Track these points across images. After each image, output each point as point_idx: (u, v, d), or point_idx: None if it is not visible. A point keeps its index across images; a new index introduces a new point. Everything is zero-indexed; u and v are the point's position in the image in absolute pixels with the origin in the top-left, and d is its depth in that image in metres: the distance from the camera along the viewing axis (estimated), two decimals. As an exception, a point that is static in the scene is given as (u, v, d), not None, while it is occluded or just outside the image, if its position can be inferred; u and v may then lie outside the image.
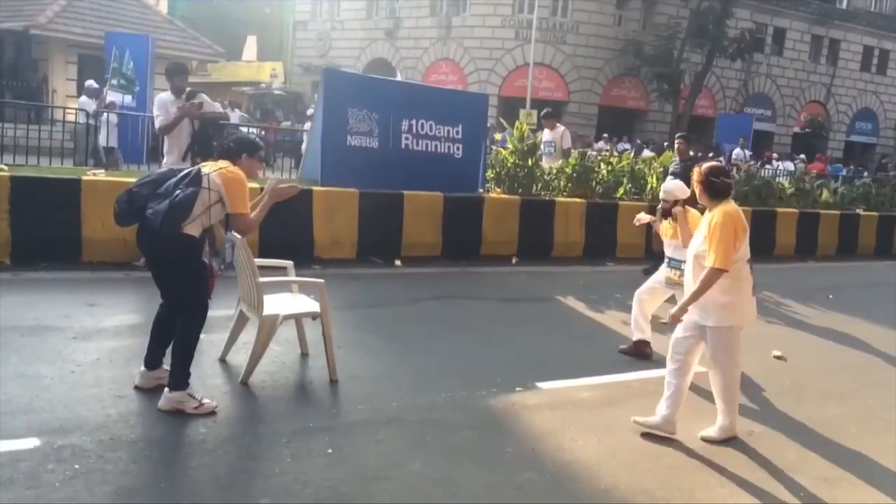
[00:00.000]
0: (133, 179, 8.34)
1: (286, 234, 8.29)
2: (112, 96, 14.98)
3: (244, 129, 16.76)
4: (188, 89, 7.74)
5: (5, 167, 8.14)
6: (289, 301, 5.39)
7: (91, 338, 5.53)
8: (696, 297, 4.57)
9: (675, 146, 10.71)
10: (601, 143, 24.58)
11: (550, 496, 3.89)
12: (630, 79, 31.74)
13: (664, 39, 30.31)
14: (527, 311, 8.05)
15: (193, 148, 7.50)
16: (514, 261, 10.35)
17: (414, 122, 10.33)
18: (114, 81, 15.21)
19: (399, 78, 19.11)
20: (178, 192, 4.27)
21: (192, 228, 4.31)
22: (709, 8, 30.00)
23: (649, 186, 12.56)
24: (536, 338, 6.93)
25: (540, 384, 5.46)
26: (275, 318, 4.95)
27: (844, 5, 37.54)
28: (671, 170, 10.52)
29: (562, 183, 11.65)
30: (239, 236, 4.68)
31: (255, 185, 5.75)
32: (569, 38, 30.74)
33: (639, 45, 30.53)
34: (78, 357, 5.09)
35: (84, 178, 8.26)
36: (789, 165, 23.50)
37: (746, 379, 6.11)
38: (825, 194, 15.43)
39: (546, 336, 7.06)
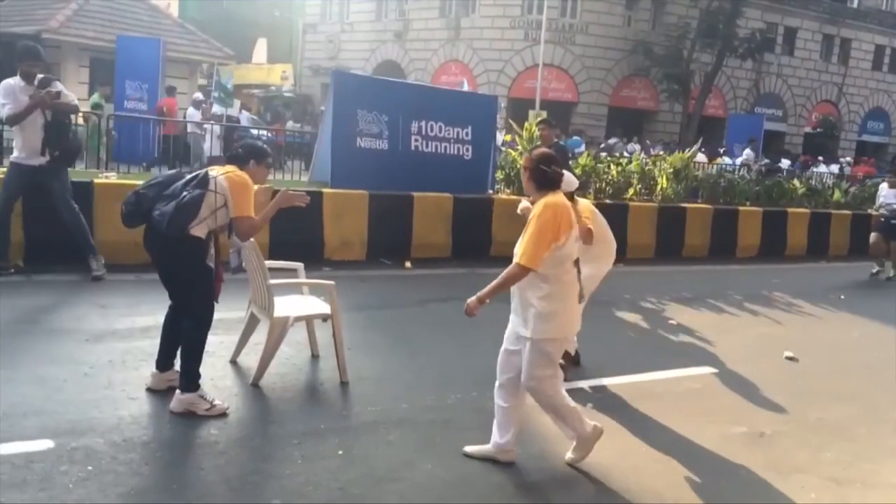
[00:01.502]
0: (140, 182, 8.42)
1: (296, 235, 8.32)
2: (215, 108, 17.38)
3: (254, 132, 16.85)
4: (40, 76, 7.09)
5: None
6: (299, 303, 5.41)
7: (103, 340, 5.57)
8: (492, 292, 3.94)
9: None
10: (612, 140, 24.50)
11: (559, 497, 3.89)
12: (640, 79, 31.64)
13: (674, 39, 30.19)
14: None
15: (49, 142, 6.98)
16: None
17: (423, 123, 10.36)
18: (216, 94, 17.49)
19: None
20: (184, 193, 4.30)
21: (199, 230, 4.33)
22: (719, 8, 29.86)
23: (659, 187, 12.55)
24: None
25: (550, 385, 5.44)
26: (286, 320, 4.98)
27: (856, 4, 37.30)
28: None
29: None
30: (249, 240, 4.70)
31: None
32: (578, 38, 30.69)
33: (648, 46, 30.42)
34: (90, 359, 5.12)
35: (96, 180, 8.32)
36: (833, 168, 23.19)
37: (758, 380, 6.11)
38: (837, 194, 15.36)
39: (556, 337, 7.06)
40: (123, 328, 5.90)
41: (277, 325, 4.96)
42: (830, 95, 37.21)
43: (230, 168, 4.50)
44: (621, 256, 11.08)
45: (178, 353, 4.56)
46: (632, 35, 31.08)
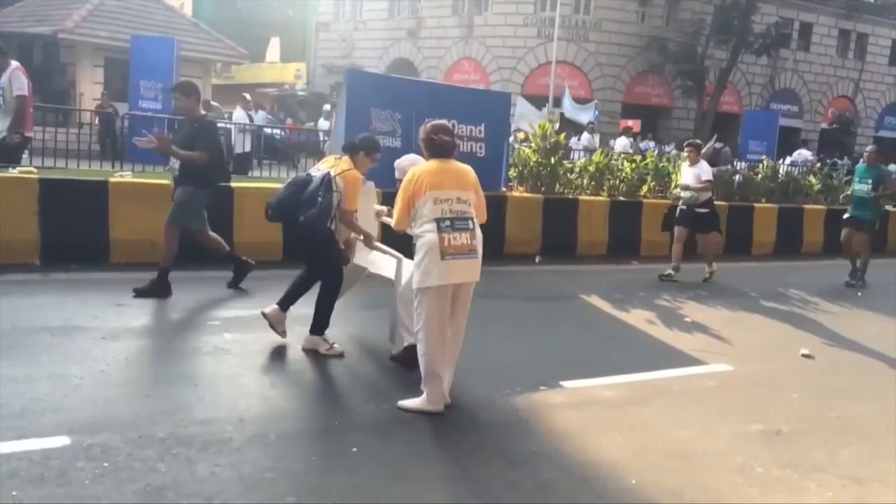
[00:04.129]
0: (155, 181, 8.50)
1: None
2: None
3: (267, 131, 16.92)
4: None
5: (34, 169, 8.27)
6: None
7: (119, 337, 5.60)
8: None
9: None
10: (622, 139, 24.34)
11: (574, 495, 3.87)
12: (654, 76, 31.50)
13: (688, 36, 30.02)
14: (550, 310, 8.03)
15: None
16: (537, 259, 10.32)
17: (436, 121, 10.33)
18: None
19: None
20: (320, 198, 5.26)
21: (331, 224, 5.48)
22: (733, 3, 29.66)
23: (673, 184, 12.49)
24: (560, 337, 6.91)
25: (564, 383, 5.44)
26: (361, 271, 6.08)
27: (872, -1, 37.02)
28: None
29: (585, 181, 11.61)
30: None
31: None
32: (591, 35, 30.58)
33: (662, 42, 30.27)
34: (107, 357, 5.15)
35: (111, 179, 8.38)
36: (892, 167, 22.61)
37: (774, 378, 6.06)
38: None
39: (570, 335, 7.04)
40: (139, 326, 5.93)
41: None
42: (847, 91, 36.89)
43: (344, 164, 5.46)
44: (634, 254, 11.21)
45: (293, 301, 5.67)
46: (645, 31, 30.94)
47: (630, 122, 24.27)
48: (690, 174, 9.87)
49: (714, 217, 10.14)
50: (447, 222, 4.51)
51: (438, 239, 4.48)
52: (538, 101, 25.93)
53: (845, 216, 10.90)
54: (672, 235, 10.20)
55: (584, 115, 22.58)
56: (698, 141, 10.75)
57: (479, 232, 4.71)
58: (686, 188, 9.88)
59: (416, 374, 4.91)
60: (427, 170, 4.62)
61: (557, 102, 24.54)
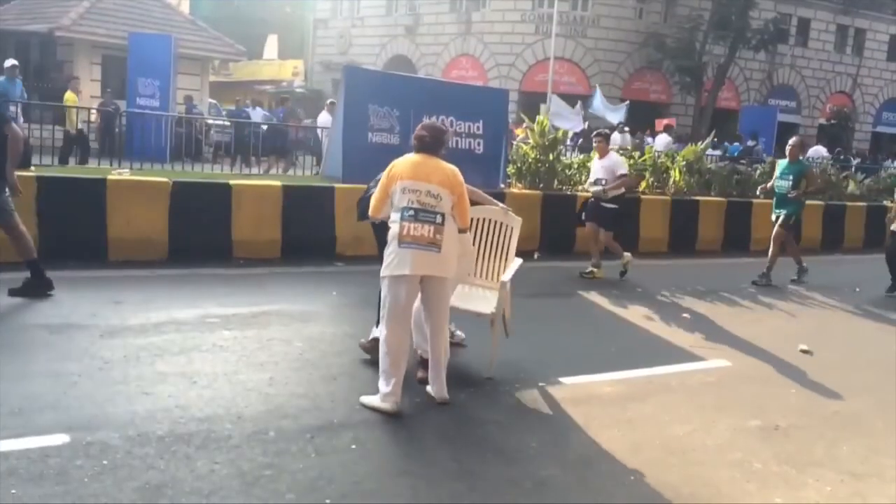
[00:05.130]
0: (153, 179, 8.50)
1: (309, 231, 8.34)
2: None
3: (264, 128, 16.88)
4: None
5: (32, 168, 8.26)
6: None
7: (117, 335, 5.60)
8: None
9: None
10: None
11: (574, 491, 3.88)
12: (652, 72, 31.50)
13: (686, 31, 30.01)
14: (549, 306, 8.03)
15: None
16: (536, 256, 10.31)
17: (434, 118, 10.29)
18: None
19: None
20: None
21: None
22: (731, -1, 29.68)
23: (672, 180, 12.49)
24: (559, 333, 6.91)
25: (563, 379, 5.44)
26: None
27: (870, -6, 36.98)
28: None
29: (583, 178, 11.60)
30: None
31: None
32: (590, 31, 30.57)
33: (660, 38, 30.25)
34: (105, 354, 5.15)
35: (109, 177, 8.38)
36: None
37: (772, 373, 6.07)
38: (851, 186, 15.22)
39: (569, 331, 7.05)
40: (137, 324, 5.93)
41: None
42: (845, 86, 36.90)
43: None
44: (634, 250, 11.21)
45: None
46: (644, 27, 30.93)
47: (666, 120, 23.98)
48: (600, 167, 9.17)
49: (618, 215, 9.29)
50: (411, 212, 4.56)
51: (399, 227, 4.57)
52: (538, 98, 25.96)
53: (773, 216, 9.99)
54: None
55: (615, 115, 22.46)
56: (606, 131, 9.92)
57: (449, 229, 4.63)
58: (596, 183, 9.19)
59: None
60: (405, 161, 4.74)
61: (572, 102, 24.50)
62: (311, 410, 4.59)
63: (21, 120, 12.94)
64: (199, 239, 8.25)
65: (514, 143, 12.84)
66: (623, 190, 9.31)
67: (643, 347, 6.58)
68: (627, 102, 24.66)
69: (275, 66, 36.52)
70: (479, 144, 10.67)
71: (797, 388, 5.73)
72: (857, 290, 9.97)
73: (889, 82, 38.11)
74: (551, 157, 11.20)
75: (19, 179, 6.54)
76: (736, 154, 20.25)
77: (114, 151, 14.06)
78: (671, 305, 8.25)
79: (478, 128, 10.66)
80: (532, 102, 25.89)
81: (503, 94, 12.45)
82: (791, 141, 10.15)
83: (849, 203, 14.53)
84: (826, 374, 6.21)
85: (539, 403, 4.99)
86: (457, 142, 10.53)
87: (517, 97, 28.26)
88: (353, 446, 4.11)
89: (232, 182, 8.90)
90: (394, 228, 4.61)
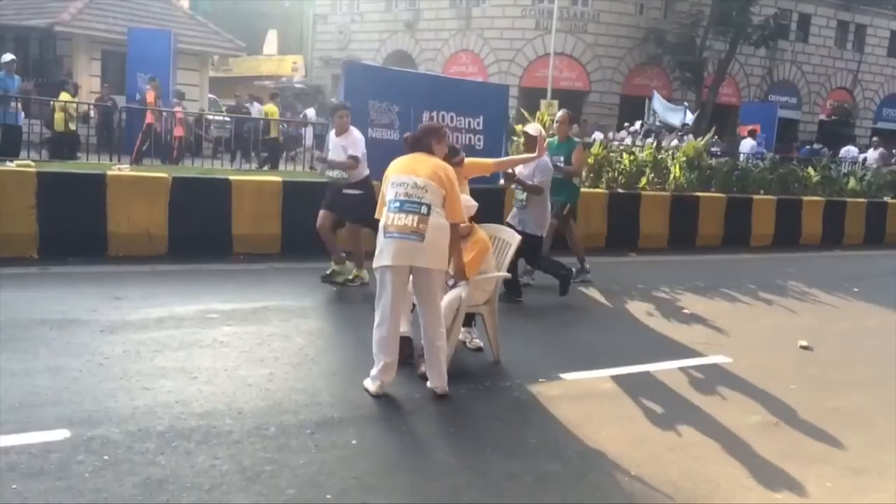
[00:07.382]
0: (152, 174, 8.47)
1: (310, 226, 8.32)
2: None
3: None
4: None
5: (32, 163, 8.26)
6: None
7: (118, 331, 5.60)
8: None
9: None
10: (622, 133, 24.25)
11: (573, 487, 3.88)
12: (652, 68, 31.42)
13: (686, 27, 29.95)
14: (549, 302, 8.03)
15: None
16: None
17: (434, 113, 10.30)
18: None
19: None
20: None
21: None
22: (732, -6, 29.61)
23: (672, 176, 12.49)
24: (559, 329, 6.92)
25: (563, 375, 5.45)
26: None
27: (871, -10, 36.90)
28: None
29: (583, 174, 11.59)
30: None
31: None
32: (590, 27, 30.50)
33: (661, 34, 30.19)
34: (105, 350, 5.15)
35: (109, 173, 8.36)
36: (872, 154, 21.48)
37: (773, 369, 6.07)
38: (852, 182, 15.22)
39: (569, 327, 7.05)
40: (138, 319, 5.93)
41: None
42: (845, 82, 36.81)
43: None
44: (633, 246, 11.21)
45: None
46: (644, 23, 30.86)
47: (751, 126, 23.80)
48: (337, 145, 7.48)
49: (366, 201, 6.89)
50: (396, 203, 4.65)
51: (385, 217, 4.70)
52: (538, 94, 25.94)
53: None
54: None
55: (675, 117, 22.36)
56: (348, 104, 7.89)
57: (435, 221, 4.61)
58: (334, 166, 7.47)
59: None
60: (396, 161, 4.90)
61: (556, 94, 24.46)
62: (312, 406, 4.59)
63: (21, 115, 12.95)
64: (199, 234, 8.25)
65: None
66: (364, 172, 7.57)
67: (643, 343, 6.58)
68: (686, 104, 24.60)
69: (274, 62, 36.43)
70: (479, 140, 10.64)
71: (797, 384, 5.73)
72: (856, 290, 9.96)
73: (890, 78, 38.03)
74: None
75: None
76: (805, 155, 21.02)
77: (111, 146, 14.03)
78: (671, 301, 8.25)
79: (478, 123, 10.64)
80: (532, 98, 25.85)
81: (504, 90, 12.40)
82: (558, 116, 8.87)
83: (849, 199, 14.53)
84: (826, 369, 6.22)
85: (539, 399, 4.99)
86: (457, 137, 10.52)
87: (517, 93, 28.22)
88: (354, 441, 4.11)
89: (232, 177, 8.89)
90: (381, 221, 4.74)
